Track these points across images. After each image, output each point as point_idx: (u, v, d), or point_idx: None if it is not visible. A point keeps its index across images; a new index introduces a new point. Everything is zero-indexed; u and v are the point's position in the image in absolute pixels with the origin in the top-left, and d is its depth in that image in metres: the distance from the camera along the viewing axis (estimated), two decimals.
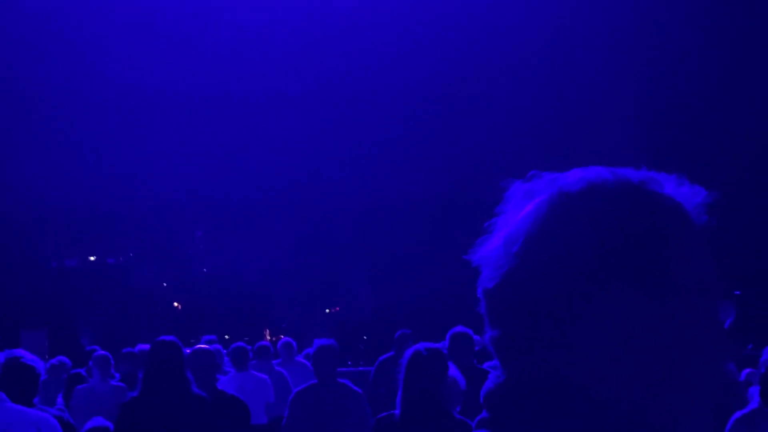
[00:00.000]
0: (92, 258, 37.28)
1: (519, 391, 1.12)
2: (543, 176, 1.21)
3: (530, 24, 30.08)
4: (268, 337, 32.03)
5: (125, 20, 29.41)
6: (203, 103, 32.33)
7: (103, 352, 10.35)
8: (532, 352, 1.12)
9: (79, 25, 28.98)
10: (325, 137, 32.79)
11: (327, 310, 38.00)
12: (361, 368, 17.55)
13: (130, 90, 30.97)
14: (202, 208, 35.90)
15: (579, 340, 1.09)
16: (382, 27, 30.15)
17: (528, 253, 1.12)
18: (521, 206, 1.20)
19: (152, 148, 32.38)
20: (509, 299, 1.14)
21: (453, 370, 5.38)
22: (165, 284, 37.76)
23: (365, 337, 32.76)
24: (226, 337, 24.63)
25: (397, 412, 4.91)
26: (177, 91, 31.49)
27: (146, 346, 9.78)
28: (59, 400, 10.96)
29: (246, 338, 18.71)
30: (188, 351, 6.59)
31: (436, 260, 33.22)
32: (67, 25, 29.02)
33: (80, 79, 30.36)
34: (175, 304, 37.64)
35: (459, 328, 8.00)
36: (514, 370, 1.14)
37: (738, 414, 5.80)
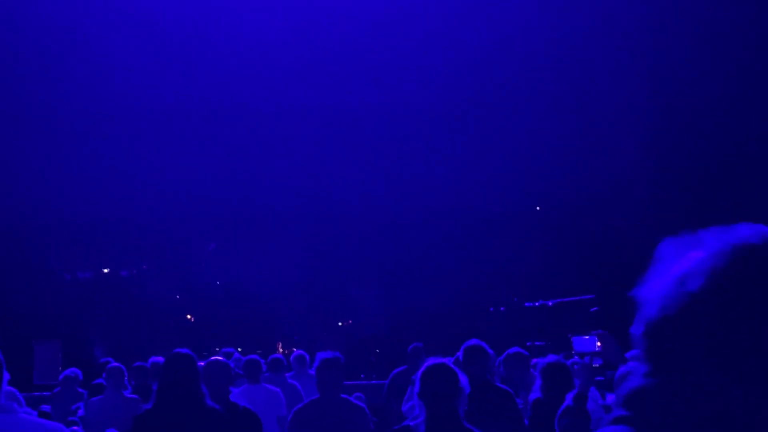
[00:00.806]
0: (105, 270, 37.35)
1: (676, 402, 1.28)
2: (702, 232, 1.38)
3: (548, 41, 30.06)
4: (281, 350, 32.01)
5: (141, 32, 29.49)
6: (218, 117, 32.40)
7: (116, 364, 10.38)
8: (698, 378, 1.26)
9: (95, 36, 29.09)
10: (337, 150, 32.80)
11: (339, 323, 37.99)
12: (373, 381, 17.54)
13: (144, 102, 31.05)
14: (215, 221, 35.94)
15: (753, 377, 1.24)
16: (405, 42, 30.16)
17: (709, 294, 1.26)
18: (689, 253, 1.35)
19: (165, 161, 32.44)
20: (684, 329, 1.28)
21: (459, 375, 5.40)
22: (178, 296, 37.79)
23: (377, 350, 32.72)
24: (239, 349, 24.63)
25: (413, 423, 4.92)
26: (192, 104, 31.58)
27: (159, 359, 9.81)
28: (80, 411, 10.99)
29: (259, 351, 18.71)
30: (202, 363, 6.60)
31: (449, 273, 33.16)
32: (83, 37, 29.14)
33: (95, 91, 30.47)
34: (188, 316, 37.67)
35: (473, 341, 7.99)
36: (672, 384, 1.29)
37: None
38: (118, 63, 30.22)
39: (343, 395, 7.21)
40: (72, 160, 31.26)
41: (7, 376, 5.61)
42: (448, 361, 5.24)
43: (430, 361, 5.09)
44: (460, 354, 8.05)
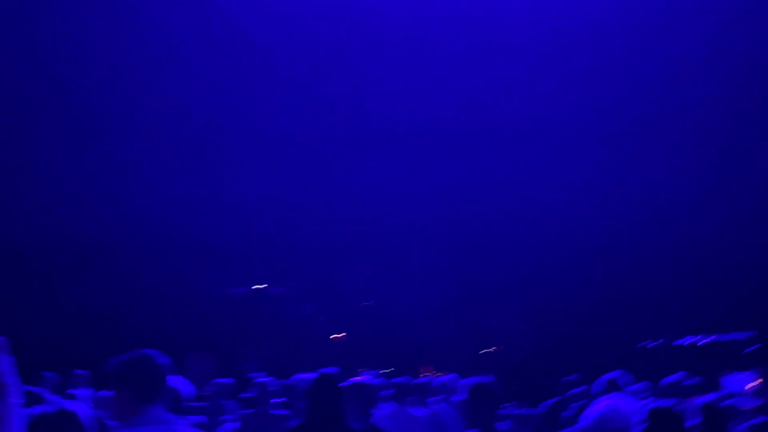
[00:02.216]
0: (257, 287, 38.07)
1: None
2: None
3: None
4: (427, 374, 31.96)
5: (277, 58, 30.05)
6: (373, 144, 32.70)
7: (263, 379, 10.55)
8: None
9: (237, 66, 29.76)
10: (487, 175, 32.66)
11: (485, 350, 37.75)
12: (518, 410, 17.30)
13: (297, 128, 31.66)
14: (366, 244, 36.26)
15: None
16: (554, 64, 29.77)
17: None
18: None
19: (321, 185, 32.97)
20: None
21: (621, 401, 5.23)
22: (325, 316, 38.26)
23: (522, 379, 32.36)
24: (385, 371, 24.72)
25: None
26: (343, 131, 31.99)
27: (303, 376, 9.93)
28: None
29: (404, 374, 18.71)
30: (346, 384, 6.65)
31: (600, 306, 32.62)
32: (223, 67, 29.83)
33: (255, 118, 31.20)
34: (335, 336, 38.07)
35: (617, 373, 7.84)
36: None
37: None
38: (270, 94, 30.84)
39: (498, 425, 6.75)
40: (231, 184, 32.13)
41: (185, 385, 5.77)
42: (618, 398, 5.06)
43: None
44: (594, 388, 7.91)
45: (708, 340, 23.99)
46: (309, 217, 33.51)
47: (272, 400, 10.47)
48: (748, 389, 16.90)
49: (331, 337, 37.66)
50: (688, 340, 25.10)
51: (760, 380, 16.77)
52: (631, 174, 31.95)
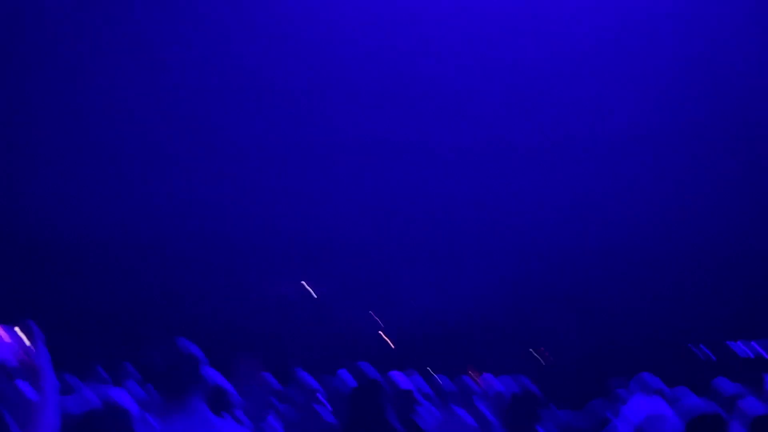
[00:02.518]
0: (305, 285, 38.09)
1: None
2: None
3: None
4: (473, 376, 31.83)
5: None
6: (426, 145, 32.65)
7: (306, 378, 10.57)
8: None
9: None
10: (539, 183, 32.49)
11: (532, 353, 37.55)
12: (561, 413, 17.14)
13: (347, 129, 31.71)
14: (415, 244, 36.18)
15: None
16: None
17: None
18: None
19: (374, 185, 32.99)
20: None
21: (664, 405, 5.13)
22: (371, 316, 38.23)
23: (567, 381, 32.10)
24: (429, 372, 24.64)
25: None
26: (396, 133, 31.99)
27: (346, 376, 9.93)
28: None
29: (451, 376, 18.61)
30: (389, 385, 6.62)
31: (646, 308, 32.34)
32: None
33: (310, 120, 31.33)
34: (381, 336, 38.04)
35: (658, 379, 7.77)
36: None
37: None
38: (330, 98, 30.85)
39: (543, 427, 6.72)
40: (283, 183, 32.29)
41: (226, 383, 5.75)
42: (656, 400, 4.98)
43: None
44: (637, 391, 7.81)
45: (756, 344, 23.68)
46: (359, 216, 33.52)
47: (316, 400, 10.48)
48: None
49: (379, 331, 37.64)
50: (736, 345, 24.76)
51: None
52: (682, 177, 31.59)
